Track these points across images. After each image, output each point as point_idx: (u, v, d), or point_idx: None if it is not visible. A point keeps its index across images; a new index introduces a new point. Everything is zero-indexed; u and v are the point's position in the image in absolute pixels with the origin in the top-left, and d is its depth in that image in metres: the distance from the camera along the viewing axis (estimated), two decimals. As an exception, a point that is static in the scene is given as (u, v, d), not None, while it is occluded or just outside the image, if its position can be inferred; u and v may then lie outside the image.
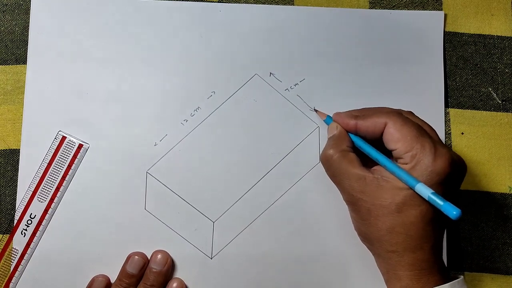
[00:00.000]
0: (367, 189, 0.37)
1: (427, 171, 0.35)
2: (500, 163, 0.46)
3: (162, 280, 0.42)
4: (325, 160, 0.40)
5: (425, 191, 0.35)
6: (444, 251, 0.44)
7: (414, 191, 0.35)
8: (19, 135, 0.44)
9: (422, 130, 0.37)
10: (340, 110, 0.45)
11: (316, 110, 0.45)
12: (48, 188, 0.44)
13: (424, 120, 0.40)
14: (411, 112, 0.40)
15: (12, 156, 0.44)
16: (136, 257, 0.43)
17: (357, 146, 0.40)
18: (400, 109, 0.40)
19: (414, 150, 0.36)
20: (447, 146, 0.37)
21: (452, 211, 0.33)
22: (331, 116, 0.42)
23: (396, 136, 0.37)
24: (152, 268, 0.42)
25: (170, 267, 0.43)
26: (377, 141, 0.39)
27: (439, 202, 0.34)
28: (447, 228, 0.44)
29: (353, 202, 0.38)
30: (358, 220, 0.38)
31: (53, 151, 0.44)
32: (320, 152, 0.45)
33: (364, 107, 0.41)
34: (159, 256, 0.43)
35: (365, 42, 0.46)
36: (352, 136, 0.40)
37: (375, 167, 0.38)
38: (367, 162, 0.39)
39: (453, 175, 0.36)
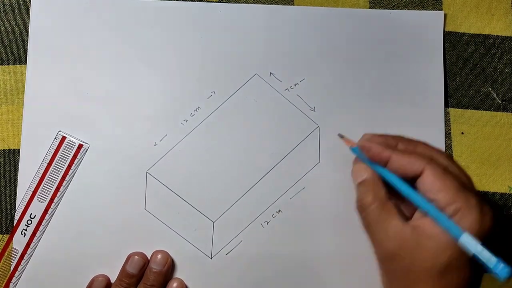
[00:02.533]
0: (406, 245, 0.33)
1: (473, 229, 0.32)
2: (500, 163, 0.46)
3: (162, 280, 0.42)
4: (362, 209, 0.36)
5: (473, 244, 0.31)
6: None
7: (458, 244, 0.32)
8: (19, 135, 0.44)
9: (464, 183, 0.34)
10: (340, 110, 0.45)
11: (341, 136, 0.41)
12: (48, 188, 0.44)
13: (463, 169, 0.36)
14: (448, 156, 0.36)
15: (12, 156, 0.44)
16: (136, 257, 0.43)
17: (392, 186, 0.36)
18: (439, 150, 0.37)
19: (458, 203, 0.32)
20: (487, 200, 0.34)
21: (504, 270, 0.30)
22: (357, 143, 0.38)
23: (437, 185, 0.33)
24: (152, 268, 0.42)
25: (170, 267, 0.43)
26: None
27: (490, 258, 0.31)
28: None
29: (388, 258, 0.34)
30: (391, 283, 0.35)
31: (53, 151, 0.44)
32: (319, 156, 0.45)
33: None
34: (159, 256, 0.43)
35: (365, 42, 0.46)
36: (388, 175, 0.36)
37: (416, 218, 0.34)
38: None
39: (494, 233, 0.33)
